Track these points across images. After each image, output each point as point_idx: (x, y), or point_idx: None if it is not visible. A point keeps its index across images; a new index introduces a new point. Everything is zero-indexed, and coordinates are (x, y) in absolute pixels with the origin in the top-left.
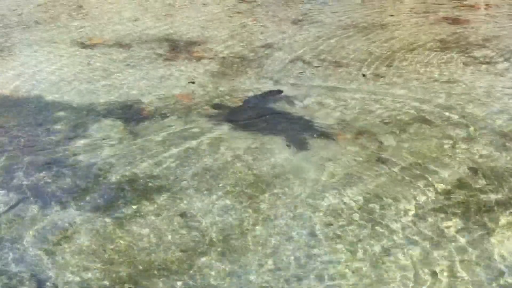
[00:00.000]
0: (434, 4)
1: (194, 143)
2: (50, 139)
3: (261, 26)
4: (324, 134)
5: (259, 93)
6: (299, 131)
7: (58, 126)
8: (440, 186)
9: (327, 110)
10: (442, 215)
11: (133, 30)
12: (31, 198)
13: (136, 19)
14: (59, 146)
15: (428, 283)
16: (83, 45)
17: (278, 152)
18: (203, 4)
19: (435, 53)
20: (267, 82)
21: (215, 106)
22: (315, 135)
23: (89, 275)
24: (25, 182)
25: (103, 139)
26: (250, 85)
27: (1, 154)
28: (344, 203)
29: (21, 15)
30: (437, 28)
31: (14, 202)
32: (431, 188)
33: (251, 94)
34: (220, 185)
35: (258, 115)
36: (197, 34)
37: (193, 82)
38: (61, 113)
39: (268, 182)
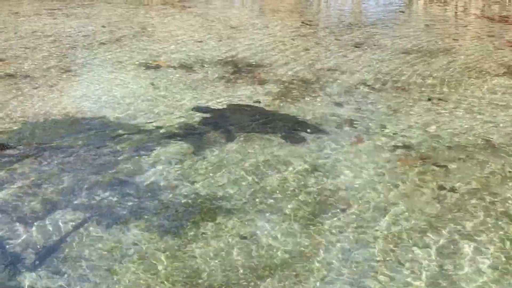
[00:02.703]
0: (500, 29)
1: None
2: (114, 159)
3: (324, 49)
4: (386, 160)
5: (320, 116)
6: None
7: (122, 146)
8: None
9: (389, 134)
10: None
11: (196, 52)
12: (97, 217)
13: (200, 41)
14: (123, 166)
15: None
16: (148, 66)
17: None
18: (266, 27)
19: (499, 78)
20: (330, 105)
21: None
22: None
23: None
24: (90, 202)
25: (167, 159)
26: (312, 108)
27: (68, 174)
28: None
29: (88, 36)
30: (502, 53)
31: (80, 221)
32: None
33: (312, 116)
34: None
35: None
36: (259, 57)
37: (258, 102)
38: (125, 133)
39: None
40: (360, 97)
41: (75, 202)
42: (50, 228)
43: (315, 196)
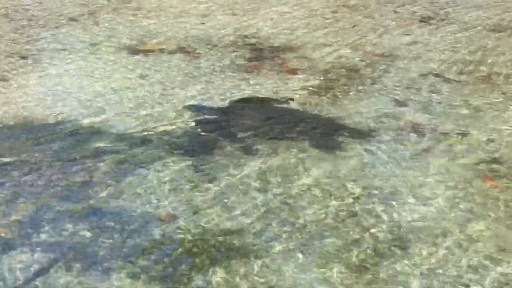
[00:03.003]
0: None
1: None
2: (89, 180)
3: (379, 26)
4: (466, 180)
5: (375, 118)
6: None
7: (100, 163)
8: None
9: (470, 142)
10: None
11: (201, 31)
12: (65, 261)
13: (205, 16)
14: (102, 190)
15: None
16: (134, 51)
17: None
18: None
19: None
20: (387, 103)
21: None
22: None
23: None
24: (57, 239)
25: (162, 180)
26: (363, 107)
27: (26, 200)
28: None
29: (51, 10)
30: None
31: (43, 266)
32: None
33: (361, 119)
34: None
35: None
36: (288, 36)
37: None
38: (104, 145)
39: None
40: (429, 92)
41: (36, 239)
42: (4, 275)
43: (365, 232)
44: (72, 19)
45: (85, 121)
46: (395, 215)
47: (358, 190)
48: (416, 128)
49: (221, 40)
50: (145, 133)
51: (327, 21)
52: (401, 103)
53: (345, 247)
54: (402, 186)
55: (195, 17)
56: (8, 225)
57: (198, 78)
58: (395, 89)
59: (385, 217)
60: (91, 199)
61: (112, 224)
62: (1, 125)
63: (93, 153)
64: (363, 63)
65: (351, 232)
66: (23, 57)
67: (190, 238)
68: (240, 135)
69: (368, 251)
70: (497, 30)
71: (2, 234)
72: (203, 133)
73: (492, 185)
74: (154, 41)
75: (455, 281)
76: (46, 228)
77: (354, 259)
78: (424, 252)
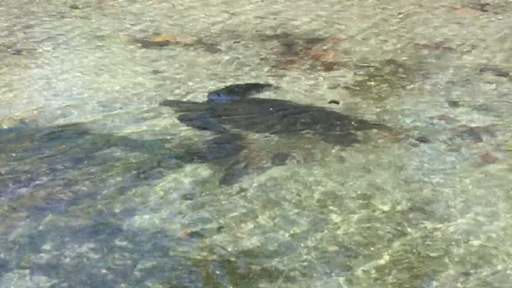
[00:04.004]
0: None
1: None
2: (96, 192)
3: (426, 13)
4: None
5: (425, 120)
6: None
7: (109, 172)
8: None
9: None
10: None
11: (222, 21)
12: (68, 285)
13: (227, 3)
14: (111, 203)
15: None
16: (146, 44)
17: None
18: None
19: None
20: (438, 104)
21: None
22: None
23: None
24: (59, 260)
25: (179, 192)
26: (411, 108)
27: (24, 216)
28: None
29: None
30: None
31: None
32: None
33: (409, 122)
34: None
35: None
36: (324, 26)
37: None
38: (113, 151)
39: None
40: (488, 90)
41: (36, 260)
42: None
43: (414, 251)
44: (74, 7)
45: (90, 124)
46: (446, 227)
47: (404, 203)
48: (472, 132)
49: (246, 31)
50: (160, 136)
51: (369, 8)
52: (454, 103)
53: (389, 270)
54: (456, 199)
55: (215, 5)
56: (3, 243)
57: (220, 75)
58: (447, 87)
59: (437, 236)
60: (98, 214)
61: (123, 243)
62: None
63: (101, 160)
64: (411, 57)
65: (396, 253)
66: (17, 51)
67: (212, 259)
68: (268, 138)
69: (411, 267)
70: None
71: None
72: (227, 137)
73: None
74: (168, 32)
75: None
76: (47, 247)
77: (391, 279)
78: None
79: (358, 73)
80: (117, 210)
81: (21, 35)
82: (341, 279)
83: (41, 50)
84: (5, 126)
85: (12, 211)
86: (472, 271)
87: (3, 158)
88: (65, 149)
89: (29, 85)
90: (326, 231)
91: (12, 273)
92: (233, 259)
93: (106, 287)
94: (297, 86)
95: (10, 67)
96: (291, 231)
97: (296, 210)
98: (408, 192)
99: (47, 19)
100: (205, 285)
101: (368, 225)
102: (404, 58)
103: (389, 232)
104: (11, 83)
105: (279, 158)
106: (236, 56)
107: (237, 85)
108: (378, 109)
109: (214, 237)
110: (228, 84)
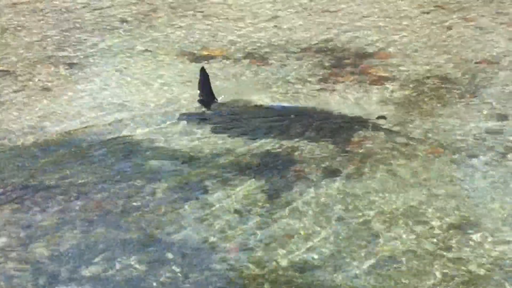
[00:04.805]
0: None
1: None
2: (144, 205)
3: (479, 29)
4: None
5: (475, 136)
6: None
7: (157, 185)
8: None
9: None
10: None
11: (271, 35)
12: None
13: (275, 17)
14: (160, 216)
15: None
16: (195, 57)
17: None
18: None
19: None
20: (487, 119)
21: None
22: None
23: None
24: (108, 273)
25: (228, 205)
26: (460, 123)
27: (74, 228)
28: None
29: (101, 10)
30: None
31: None
32: None
33: (458, 136)
34: None
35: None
36: (372, 40)
37: (384, 118)
38: (162, 164)
39: None
40: None
41: (84, 273)
42: None
43: (463, 268)
44: (123, 21)
45: (139, 136)
46: (497, 248)
47: (453, 219)
48: None
49: (294, 45)
50: (210, 150)
51: (418, 22)
52: (504, 118)
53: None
54: (506, 213)
55: (263, 19)
56: (53, 256)
57: (269, 89)
58: (498, 102)
59: (491, 256)
60: (147, 227)
61: (171, 256)
62: (42, 141)
63: (149, 174)
64: (460, 71)
65: (445, 270)
66: (69, 64)
67: (261, 273)
68: (317, 152)
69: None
70: None
71: (47, 267)
72: (277, 151)
73: None
74: (217, 46)
75: None
76: (96, 260)
77: None
78: None
79: (406, 87)
80: (166, 223)
81: (72, 48)
82: None
83: (91, 63)
84: (55, 139)
85: (63, 223)
86: None
87: (54, 171)
88: (114, 162)
89: (79, 98)
90: (376, 246)
91: (63, 286)
92: (281, 272)
93: None
94: (345, 100)
95: (61, 80)
96: (341, 246)
97: (344, 225)
98: (457, 207)
99: (98, 32)
100: None
101: (417, 240)
102: (452, 73)
103: (436, 243)
104: (61, 96)
105: (329, 172)
106: (285, 69)
107: (285, 99)
108: (426, 124)
109: (264, 251)
110: (276, 97)
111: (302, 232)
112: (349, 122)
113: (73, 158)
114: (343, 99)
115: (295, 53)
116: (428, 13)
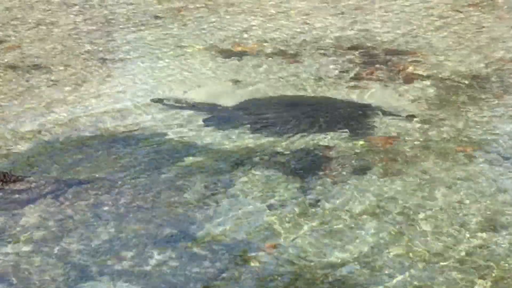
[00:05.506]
0: None
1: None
2: (176, 199)
3: (510, 27)
4: None
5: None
6: None
7: (191, 181)
8: None
9: None
10: None
11: (303, 32)
12: None
13: (307, 14)
14: (193, 212)
15: None
16: (226, 54)
17: None
18: None
19: None
20: None
21: None
22: None
23: None
24: (140, 268)
25: (263, 203)
26: (491, 122)
27: (107, 223)
28: None
29: (134, 6)
30: None
31: None
32: None
33: (491, 139)
34: None
35: None
36: (403, 38)
37: (413, 116)
38: (196, 160)
39: None
40: None
41: (117, 267)
42: None
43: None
44: (156, 17)
45: (173, 134)
46: None
47: (480, 217)
48: None
49: (326, 42)
50: (240, 145)
51: (452, 20)
52: None
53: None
54: None
55: (296, 16)
56: (85, 250)
57: (300, 86)
58: None
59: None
60: (180, 223)
61: (204, 252)
62: (75, 137)
63: (183, 170)
64: (491, 70)
65: (474, 265)
66: (102, 60)
67: (293, 270)
68: (348, 149)
69: None
70: None
71: (79, 261)
72: (307, 146)
73: None
74: (249, 42)
75: None
76: (129, 255)
77: None
78: None
79: (438, 86)
80: (197, 218)
81: (104, 43)
82: None
83: (123, 58)
84: (88, 134)
85: (94, 218)
86: None
87: (85, 166)
88: (146, 156)
89: (111, 93)
90: (406, 243)
91: (94, 281)
92: (313, 270)
93: None
94: (377, 98)
95: (94, 75)
96: (372, 243)
97: (375, 222)
98: (485, 206)
99: (130, 28)
100: None
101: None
102: (484, 72)
103: (471, 251)
104: (94, 90)
105: (360, 169)
106: (317, 67)
107: (316, 96)
108: (457, 123)
109: (295, 249)
110: (308, 94)
111: (333, 230)
112: (380, 120)
113: (105, 153)
114: (374, 97)
115: (327, 50)
116: (459, 11)
